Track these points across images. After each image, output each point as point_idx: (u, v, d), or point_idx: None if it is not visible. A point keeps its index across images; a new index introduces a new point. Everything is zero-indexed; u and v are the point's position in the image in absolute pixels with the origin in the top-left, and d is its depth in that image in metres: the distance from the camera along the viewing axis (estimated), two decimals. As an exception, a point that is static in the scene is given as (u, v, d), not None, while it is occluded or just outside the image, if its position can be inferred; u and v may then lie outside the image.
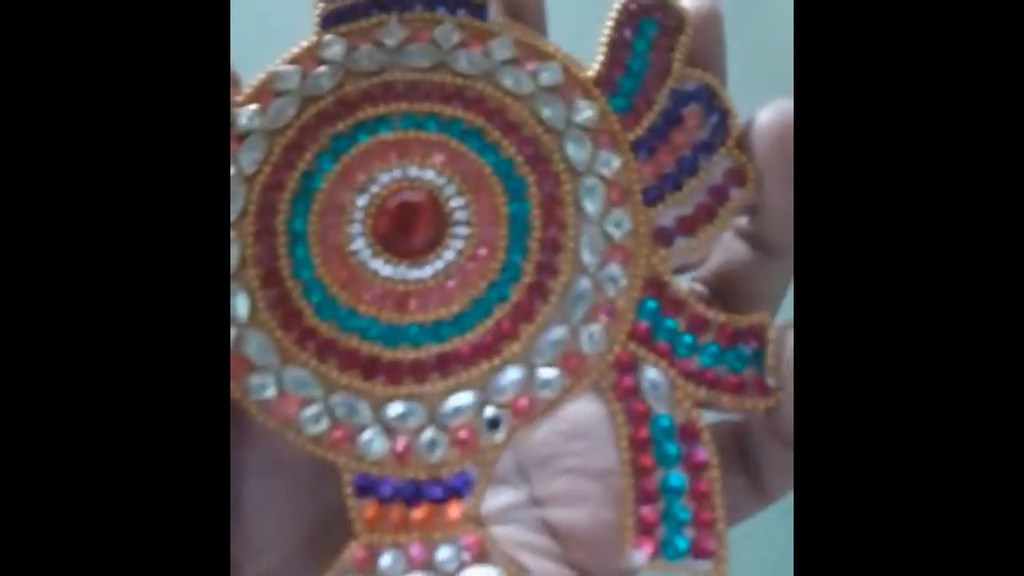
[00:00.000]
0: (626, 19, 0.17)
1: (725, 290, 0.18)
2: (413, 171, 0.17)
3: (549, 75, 0.17)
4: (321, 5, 0.17)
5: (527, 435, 0.16)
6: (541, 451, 0.19)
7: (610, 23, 0.17)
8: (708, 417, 0.16)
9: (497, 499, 0.18)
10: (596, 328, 0.16)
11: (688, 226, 0.16)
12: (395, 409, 0.15)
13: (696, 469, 0.15)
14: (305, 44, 0.17)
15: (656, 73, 0.17)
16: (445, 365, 0.16)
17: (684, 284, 0.17)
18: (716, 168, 0.17)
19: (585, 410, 0.19)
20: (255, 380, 0.16)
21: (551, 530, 0.18)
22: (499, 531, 0.17)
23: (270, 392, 0.16)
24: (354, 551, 0.15)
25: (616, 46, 0.17)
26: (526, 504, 0.19)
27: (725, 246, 0.18)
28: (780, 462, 0.17)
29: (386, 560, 0.15)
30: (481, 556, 0.15)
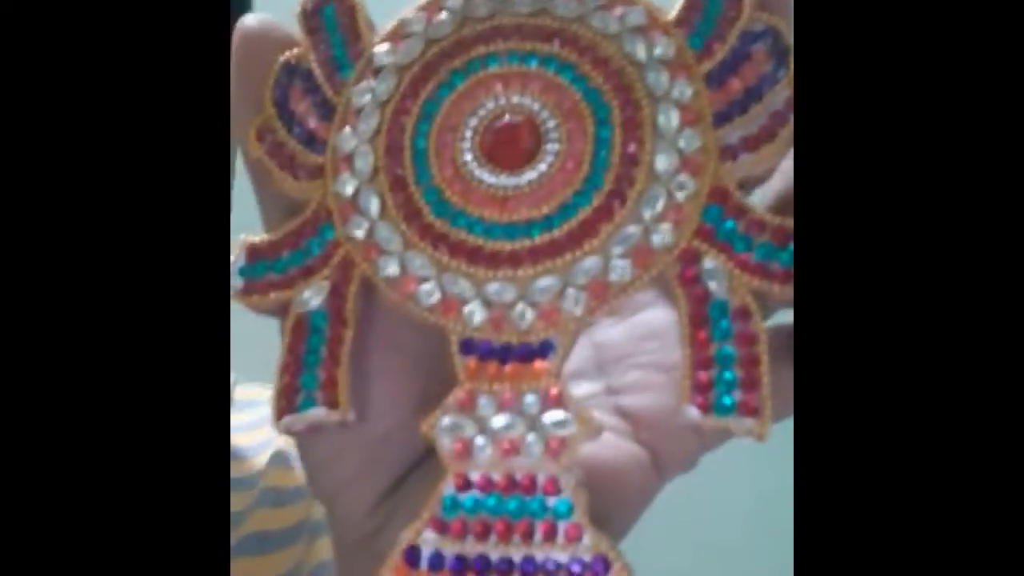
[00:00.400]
0: None
1: (787, 212, 0.20)
2: (515, 98, 0.20)
3: (634, 17, 0.20)
4: None
5: (602, 312, 0.19)
6: (617, 350, 0.22)
7: None
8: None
9: (578, 389, 0.21)
10: (665, 227, 0.19)
11: (752, 144, 0.19)
12: (493, 287, 0.19)
13: (747, 342, 0.18)
14: None
15: (728, 17, 0.20)
16: (535, 255, 0.19)
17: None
18: (778, 97, 0.19)
19: (658, 315, 0.22)
20: (383, 261, 0.19)
21: (624, 414, 0.21)
22: None
23: (394, 271, 0.19)
24: (457, 394, 0.19)
25: None
26: (602, 393, 0.22)
27: (784, 173, 0.20)
28: None
29: (482, 401, 0.19)
30: (559, 404, 0.18)
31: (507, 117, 0.20)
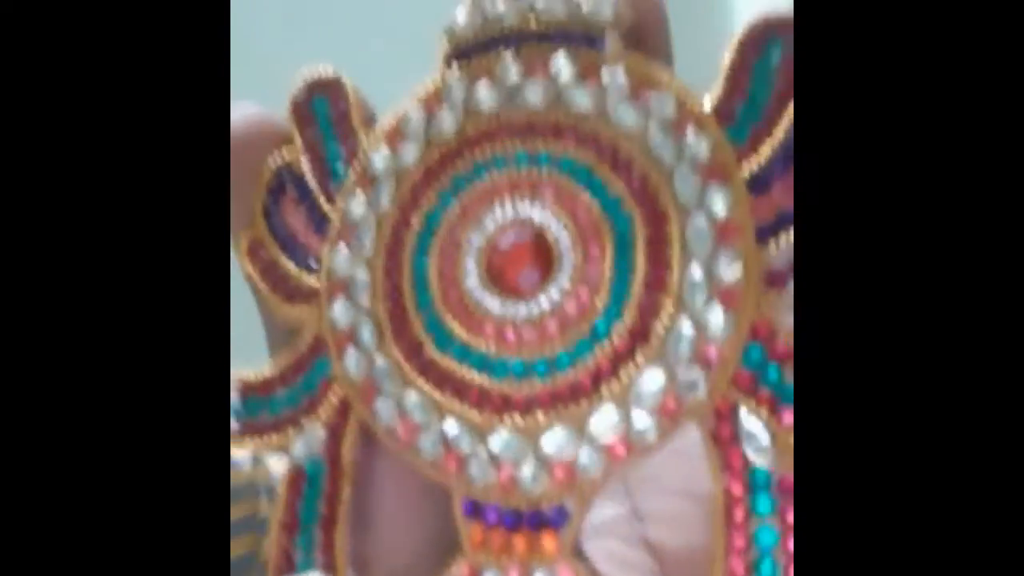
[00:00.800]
0: (751, 41, 0.16)
1: None
2: (524, 209, 0.17)
3: (662, 108, 0.17)
4: (446, 45, 0.18)
5: (620, 475, 0.16)
6: (648, 468, 0.20)
7: (734, 45, 0.17)
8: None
9: (602, 512, 0.19)
10: (697, 375, 0.16)
11: None
12: (500, 440, 0.17)
13: (790, 524, 0.15)
14: (431, 86, 0.18)
15: (779, 100, 0.16)
16: (546, 400, 0.17)
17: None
18: None
19: (695, 429, 0.19)
20: (380, 404, 0.18)
21: (650, 547, 0.19)
22: (601, 544, 0.18)
23: (392, 417, 0.17)
24: (461, 569, 0.17)
25: (738, 71, 0.17)
26: (628, 519, 0.19)
27: None
28: None
29: None
30: None
31: (513, 235, 0.17)
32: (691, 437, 0.19)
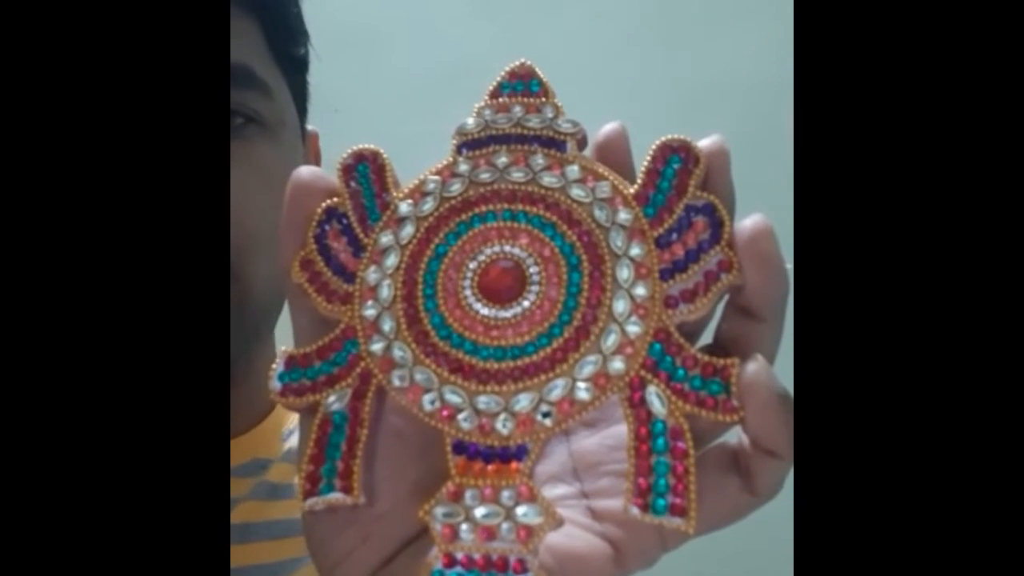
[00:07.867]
0: (659, 154, 0.26)
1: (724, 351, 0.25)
2: (507, 248, 0.25)
3: (602, 190, 0.25)
4: (457, 138, 0.27)
5: (569, 426, 0.24)
6: (591, 459, 0.26)
7: (648, 156, 0.26)
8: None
9: (554, 490, 0.26)
10: (619, 358, 0.24)
11: (688, 296, 0.24)
12: (482, 400, 0.24)
13: (678, 456, 0.23)
14: (444, 162, 0.26)
15: (677, 193, 0.25)
16: (516, 375, 0.24)
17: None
18: (712, 259, 0.24)
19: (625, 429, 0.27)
20: (395, 373, 0.24)
21: (593, 514, 0.25)
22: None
23: (404, 382, 0.24)
24: (448, 487, 0.23)
25: (650, 172, 0.26)
26: (576, 496, 0.26)
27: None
28: (761, 467, 0.23)
29: (468, 494, 0.23)
30: (530, 499, 0.23)
31: (500, 263, 0.25)
32: (625, 433, 0.26)
